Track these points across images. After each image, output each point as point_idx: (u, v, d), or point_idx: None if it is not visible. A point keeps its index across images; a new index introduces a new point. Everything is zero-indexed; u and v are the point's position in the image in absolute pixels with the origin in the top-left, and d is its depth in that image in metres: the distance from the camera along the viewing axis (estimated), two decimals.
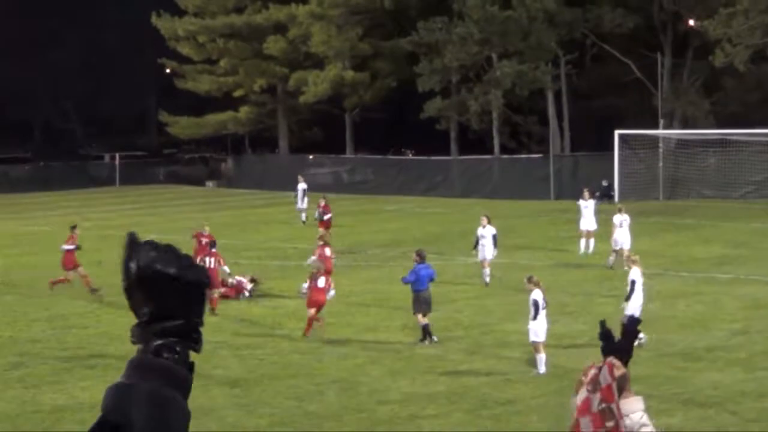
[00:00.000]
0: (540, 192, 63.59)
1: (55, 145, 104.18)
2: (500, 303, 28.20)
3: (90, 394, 19.56)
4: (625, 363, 10.40)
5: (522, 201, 60.71)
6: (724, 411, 18.71)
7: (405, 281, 25.01)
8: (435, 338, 24.06)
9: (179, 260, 3.13)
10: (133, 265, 3.13)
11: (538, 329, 20.89)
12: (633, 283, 23.22)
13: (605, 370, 10.16)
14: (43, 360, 23.06)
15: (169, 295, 3.13)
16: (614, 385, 10.09)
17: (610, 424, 10.02)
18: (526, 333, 21.27)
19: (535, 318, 20.90)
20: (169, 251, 3.12)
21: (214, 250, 30.45)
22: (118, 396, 3.05)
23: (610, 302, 28.34)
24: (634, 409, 10.31)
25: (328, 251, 30.85)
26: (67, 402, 19.89)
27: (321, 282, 25.12)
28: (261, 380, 21.15)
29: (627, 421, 10.14)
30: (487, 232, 31.85)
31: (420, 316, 24.20)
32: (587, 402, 10.16)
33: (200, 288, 3.16)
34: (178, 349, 3.20)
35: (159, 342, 3.16)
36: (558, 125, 71.62)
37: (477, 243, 32.02)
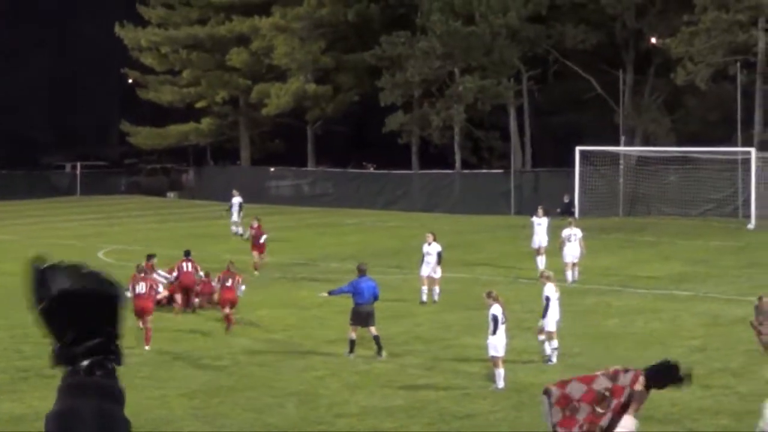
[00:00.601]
0: (501, 207, 63.81)
1: (17, 154, 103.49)
2: (459, 318, 28.26)
3: (47, 404, 19.32)
4: (648, 388, 10.56)
5: (483, 216, 60.86)
6: (682, 428, 18.83)
7: (334, 293, 25.30)
8: (352, 355, 24.08)
9: (90, 277, 3.15)
10: (45, 291, 3.14)
11: (497, 344, 20.95)
12: (547, 299, 23.30)
13: (631, 374, 10.33)
14: (2, 370, 22.89)
15: (87, 314, 3.14)
16: (627, 391, 10.26)
17: (600, 410, 10.16)
18: (485, 348, 21.33)
19: (494, 333, 20.96)
20: (77, 269, 3.14)
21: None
22: (64, 422, 3.08)
23: (569, 317, 28.48)
24: (628, 426, 10.46)
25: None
26: (25, 411, 19.79)
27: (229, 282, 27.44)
28: (219, 392, 21.10)
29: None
30: (432, 249, 31.60)
31: (353, 329, 24.27)
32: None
33: (114, 301, 3.19)
34: (109, 365, 3.23)
35: (88, 361, 3.17)
36: (519, 141, 71.89)
37: (423, 260, 31.77)
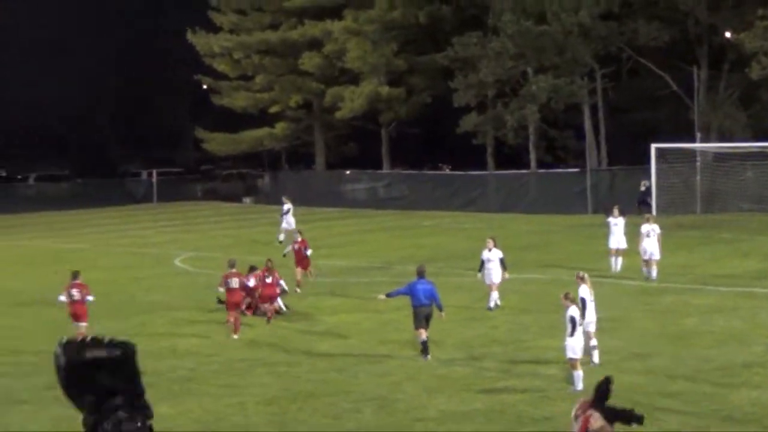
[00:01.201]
0: (577, 206, 63.44)
1: (93, 162, 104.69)
2: (537, 319, 28.13)
3: None
4: (612, 422, 10.57)
5: (559, 216, 60.58)
6: (763, 428, 18.62)
7: (391, 295, 25.54)
8: (428, 357, 24.21)
9: (102, 343, 3.21)
10: (63, 362, 3.21)
11: (575, 346, 20.85)
12: (583, 300, 23.01)
13: (580, 421, 10.38)
14: None
15: (106, 377, 3.21)
16: None
17: None
18: (563, 349, 21.23)
19: (572, 334, 20.86)
20: (90, 340, 3.21)
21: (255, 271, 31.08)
22: None
23: (647, 317, 28.30)
24: None
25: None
26: None
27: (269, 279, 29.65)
28: (297, 398, 21.17)
29: None
30: (493, 256, 30.76)
31: (421, 331, 24.36)
32: None
33: (129, 360, 3.24)
34: (138, 423, 3.29)
35: (115, 420, 3.24)
36: (594, 139, 71.37)
37: (482, 266, 30.91)
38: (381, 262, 42.36)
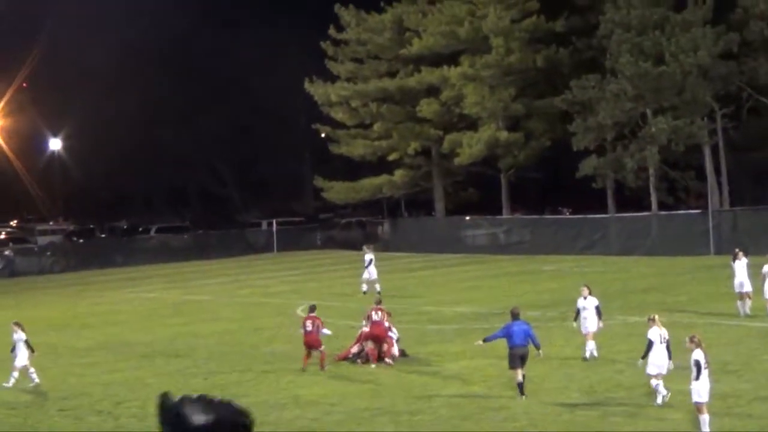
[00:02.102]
0: (699, 247, 62.68)
1: (213, 213, 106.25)
2: None
3: None
4: None
5: (681, 257, 59.91)
6: None
7: (488, 339, 26.05)
8: (523, 397, 24.73)
9: (223, 407, 3.30)
10: (183, 426, 3.27)
11: (700, 389, 20.65)
12: (649, 342, 23.58)
13: None
14: None
15: None
16: None
17: None
18: (689, 393, 21.02)
19: (697, 378, 20.66)
20: (208, 401, 3.29)
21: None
22: None
23: None
24: None
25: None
26: None
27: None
28: None
29: None
30: (589, 304, 29.95)
31: (517, 371, 24.85)
32: None
33: (248, 428, 3.32)
34: None
35: None
36: (716, 180, 70.44)
37: (577, 315, 30.23)
38: (502, 308, 42.08)
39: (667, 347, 23.84)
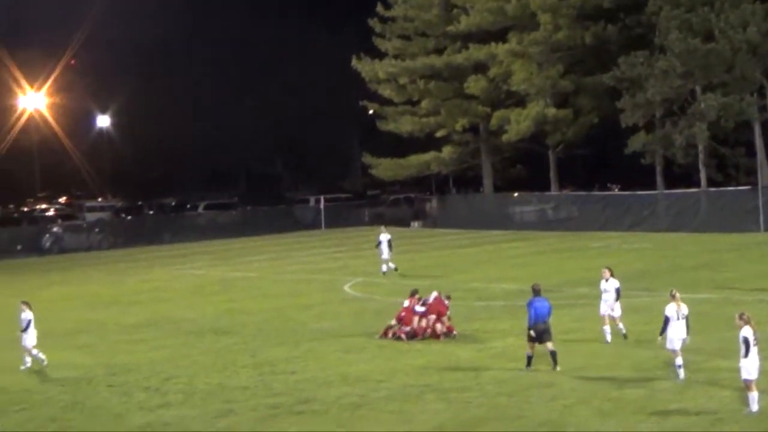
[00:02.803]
0: (748, 224, 62.41)
1: (261, 190, 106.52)
2: (710, 339, 27.70)
3: None
4: None
5: (730, 234, 59.61)
6: None
7: (531, 319, 25.84)
8: (530, 368, 25.58)
9: None
10: None
11: (749, 367, 20.57)
12: (666, 318, 23.87)
13: None
14: (252, 408, 23.50)
15: None
16: None
17: None
18: (738, 371, 20.97)
19: (746, 355, 20.59)
20: None
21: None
22: None
23: None
24: None
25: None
26: None
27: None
28: (467, 424, 21.26)
29: None
30: (609, 286, 29.41)
31: (547, 344, 25.61)
32: None
33: None
34: None
35: None
36: (766, 156, 69.89)
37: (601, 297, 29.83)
38: (550, 285, 42.16)
39: (686, 323, 23.86)
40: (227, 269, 58.44)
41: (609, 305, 29.37)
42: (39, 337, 29.30)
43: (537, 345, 25.52)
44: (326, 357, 29.11)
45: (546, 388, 23.91)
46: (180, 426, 22.21)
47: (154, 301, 45.38)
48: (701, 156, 70.93)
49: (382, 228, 53.65)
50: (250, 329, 34.95)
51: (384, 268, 50.57)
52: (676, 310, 23.75)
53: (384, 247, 50.94)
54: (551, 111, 76.85)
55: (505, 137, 79.47)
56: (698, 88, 68.29)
